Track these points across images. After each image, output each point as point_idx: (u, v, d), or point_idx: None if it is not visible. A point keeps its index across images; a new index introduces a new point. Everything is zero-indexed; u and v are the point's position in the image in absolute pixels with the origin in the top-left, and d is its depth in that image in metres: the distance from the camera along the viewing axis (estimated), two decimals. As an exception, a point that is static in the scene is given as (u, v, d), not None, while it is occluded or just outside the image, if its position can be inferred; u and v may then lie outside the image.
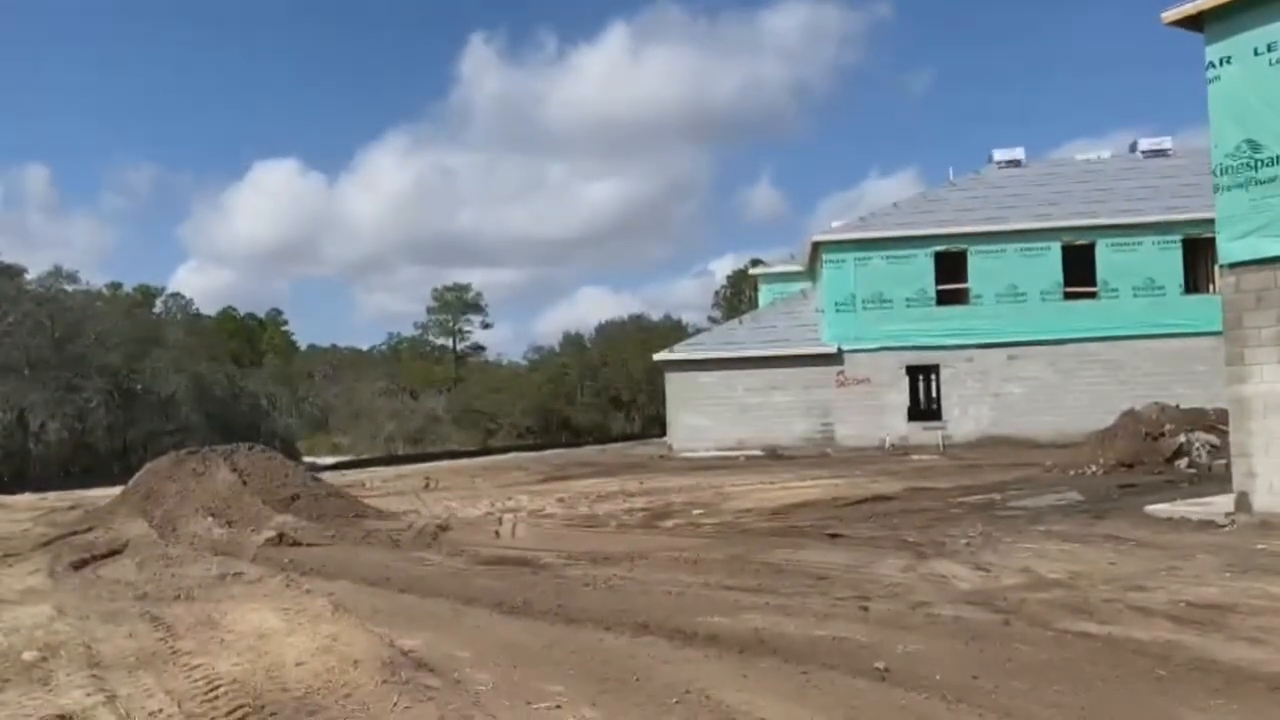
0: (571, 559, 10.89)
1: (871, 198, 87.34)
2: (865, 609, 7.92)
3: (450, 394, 62.81)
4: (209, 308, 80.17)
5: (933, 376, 30.24)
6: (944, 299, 29.15)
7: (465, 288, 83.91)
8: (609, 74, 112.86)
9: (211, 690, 6.11)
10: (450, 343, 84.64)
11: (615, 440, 42.96)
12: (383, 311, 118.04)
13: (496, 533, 13.64)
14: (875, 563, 10.02)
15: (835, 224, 32.74)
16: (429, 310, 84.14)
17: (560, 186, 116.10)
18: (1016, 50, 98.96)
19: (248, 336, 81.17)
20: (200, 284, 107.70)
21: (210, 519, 13.61)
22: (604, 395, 52.63)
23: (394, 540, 12.83)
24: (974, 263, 28.76)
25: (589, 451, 35.08)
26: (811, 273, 33.39)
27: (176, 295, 77.68)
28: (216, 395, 42.99)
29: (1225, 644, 6.63)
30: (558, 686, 6.00)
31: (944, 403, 29.42)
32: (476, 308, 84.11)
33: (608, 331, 62.96)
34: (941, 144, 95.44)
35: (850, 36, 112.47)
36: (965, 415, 28.58)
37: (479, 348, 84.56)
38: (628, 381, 49.91)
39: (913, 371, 29.89)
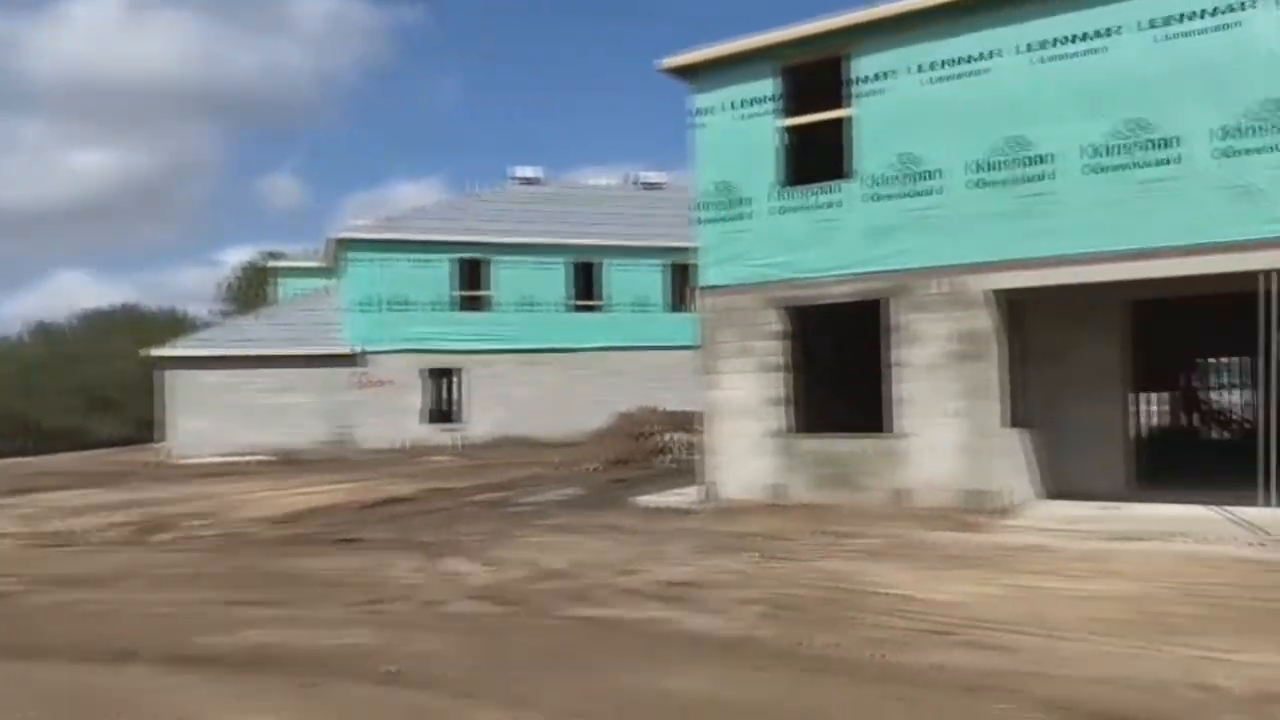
0: (37, 584, 9.37)
1: (397, 199, 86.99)
2: (377, 612, 7.83)
3: None
4: None
5: (453, 380, 30.97)
6: (465, 305, 30.07)
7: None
8: (104, 28, 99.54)
9: None
10: None
11: (99, 446, 37.81)
12: None
13: (-69, 559, 11.27)
14: (389, 565, 9.97)
15: (360, 222, 32.14)
16: None
17: (36, 149, 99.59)
18: (537, 74, 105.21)
19: None
20: None
21: None
22: (85, 395, 45.90)
23: None
24: (494, 272, 30.05)
25: (66, 459, 30.47)
26: (334, 270, 32.41)
27: None
28: None
29: (693, 616, 7.61)
30: (10, 734, 5.11)
31: (462, 405, 30.27)
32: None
33: (92, 321, 55.28)
34: (467, 154, 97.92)
35: (378, 33, 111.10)
36: (483, 417, 29.66)
37: (-90, 335, 69.32)
38: (116, 380, 44.08)
39: (434, 374, 30.35)
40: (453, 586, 8.88)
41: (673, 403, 24.89)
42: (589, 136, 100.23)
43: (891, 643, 6.62)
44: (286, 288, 37.25)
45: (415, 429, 29.32)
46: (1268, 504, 10.29)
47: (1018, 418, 12.79)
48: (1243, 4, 10.20)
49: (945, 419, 11.90)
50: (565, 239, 30.79)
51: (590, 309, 31.01)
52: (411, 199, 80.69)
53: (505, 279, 30.28)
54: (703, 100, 13.66)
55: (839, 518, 11.94)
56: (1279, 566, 8.76)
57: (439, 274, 29.68)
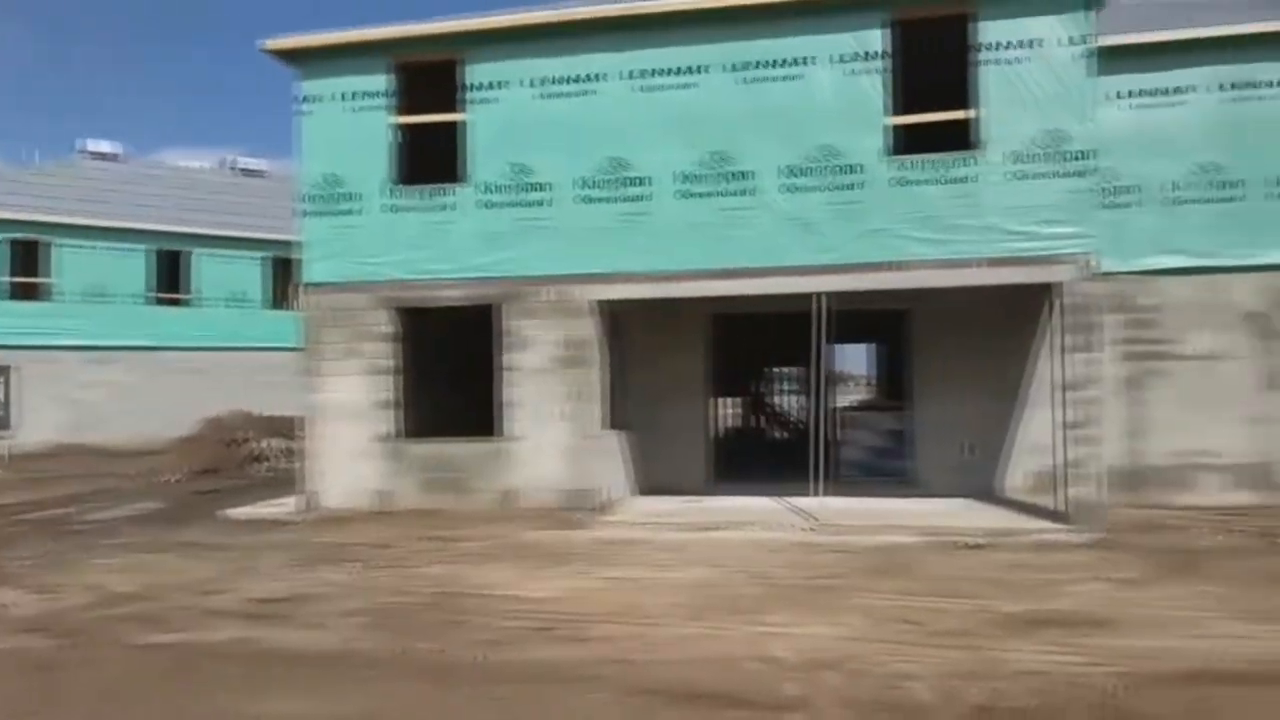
0: None
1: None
2: (-114, 660, 6.46)
3: None
4: None
5: (2, 379, 26.51)
6: (18, 293, 25.91)
7: None
8: None
9: None
10: None
11: None
12: None
13: None
14: (-94, 601, 8.27)
15: (-128, 188, 26.45)
16: None
17: None
18: (126, 38, 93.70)
19: None
20: None
21: None
22: None
23: None
24: (56, 256, 26.22)
25: None
26: None
27: None
28: None
29: (289, 632, 7.16)
30: None
31: (15, 409, 26.02)
32: None
33: None
34: (29, 118, 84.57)
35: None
36: (39, 423, 25.72)
37: None
38: None
39: (-24, 373, 25.76)
40: (-7, 621, 7.58)
41: (273, 407, 23.38)
42: (180, 114, 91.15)
43: (495, 643, 6.71)
44: None
45: (-53, 437, 24.73)
46: (817, 494, 11.91)
47: (617, 420, 13.63)
48: (807, 59, 11.71)
49: (552, 422, 12.35)
50: (146, 223, 27.61)
51: (176, 302, 28.13)
52: (-52, 165, 67.93)
53: (70, 265, 26.52)
54: (311, 88, 12.98)
55: (448, 522, 11.91)
56: (824, 548, 10.14)
57: (-15, 256, 25.32)
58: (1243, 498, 12.57)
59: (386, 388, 12.86)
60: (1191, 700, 5.25)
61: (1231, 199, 12.77)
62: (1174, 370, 12.97)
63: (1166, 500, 12.70)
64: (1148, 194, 12.94)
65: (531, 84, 12.35)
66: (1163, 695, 5.36)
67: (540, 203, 12.34)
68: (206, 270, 28.29)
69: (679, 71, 12.01)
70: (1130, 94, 13.04)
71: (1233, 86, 12.83)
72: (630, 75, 12.13)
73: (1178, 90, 13.00)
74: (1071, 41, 11.17)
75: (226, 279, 28.57)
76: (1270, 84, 12.70)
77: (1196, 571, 8.71)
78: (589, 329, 12.29)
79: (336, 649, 6.70)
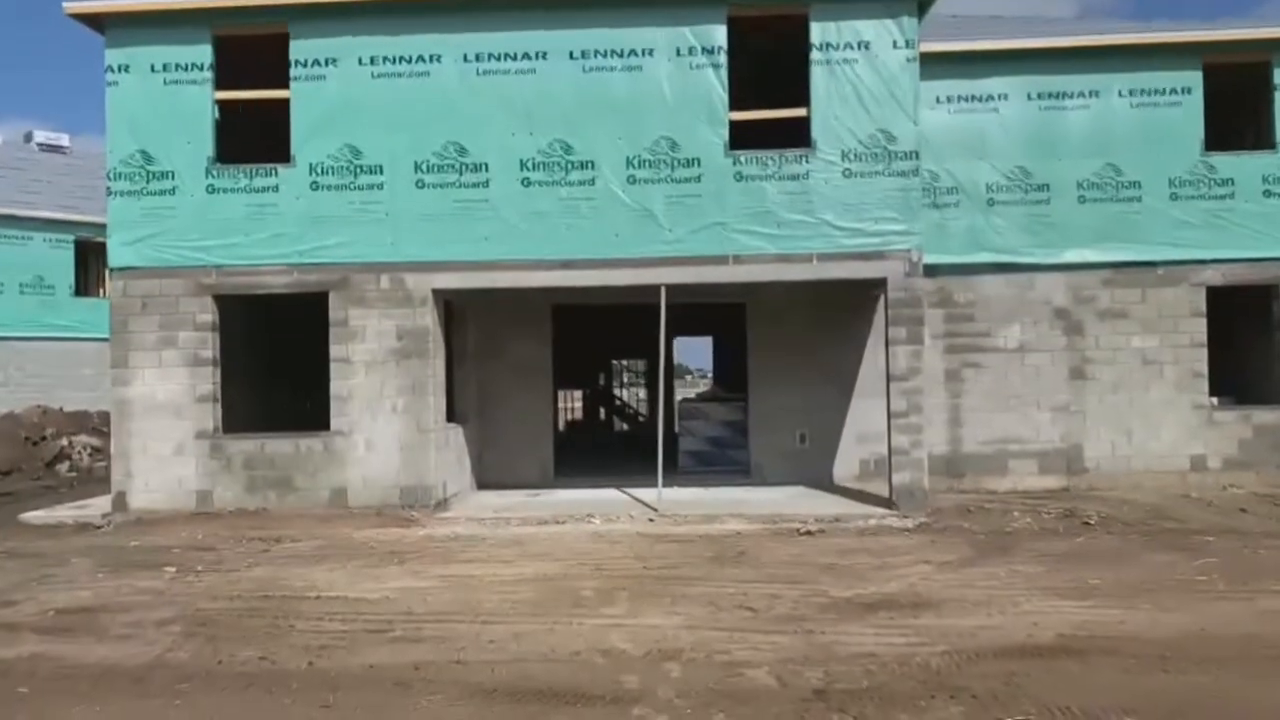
0: None
1: None
2: None
3: None
4: None
5: None
6: None
7: None
8: None
9: None
10: None
11: None
12: None
13: None
14: None
15: None
16: None
17: None
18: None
19: None
20: None
21: None
22: None
23: None
24: None
25: None
26: None
27: None
28: None
29: (94, 646, 6.58)
30: None
31: None
32: None
33: None
34: None
35: None
36: None
37: None
38: None
39: None
40: None
41: (81, 402, 21.66)
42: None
43: (324, 648, 6.36)
44: None
45: None
46: (657, 485, 11.97)
47: (455, 413, 13.28)
48: (646, 50, 11.71)
49: (386, 416, 11.90)
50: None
51: (-43, 287, 25.56)
52: None
53: None
54: (118, 56, 11.99)
55: (274, 522, 11.30)
56: (665, 539, 10.20)
57: None
58: (1050, 481, 13.48)
59: (205, 380, 12.05)
60: (1007, 674, 5.52)
61: (1040, 201, 13.65)
62: (989, 362, 13.76)
63: (983, 485, 13.47)
64: (966, 195, 13.66)
65: (363, 62, 11.82)
66: (981, 670, 5.61)
67: (373, 186, 11.83)
68: (1, 254, 25.81)
69: (518, 57, 11.78)
70: (949, 99, 13.73)
71: (1040, 96, 13.71)
72: (468, 58, 11.80)
73: (990, 98, 13.78)
74: (897, 46, 11.62)
75: (24, 263, 26.13)
76: (1074, 94, 13.63)
77: (1010, 552, 9.24)
78: (425, 319, 11.91)
79: (149, 661, 6.19)
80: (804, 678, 5.55)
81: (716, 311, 16.76)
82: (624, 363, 32.88)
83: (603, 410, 30.92)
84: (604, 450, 19.38)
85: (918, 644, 6.17)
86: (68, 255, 26.66)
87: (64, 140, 31.42)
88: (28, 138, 31.54)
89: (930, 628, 6.57)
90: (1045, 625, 6.56)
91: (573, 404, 31.53)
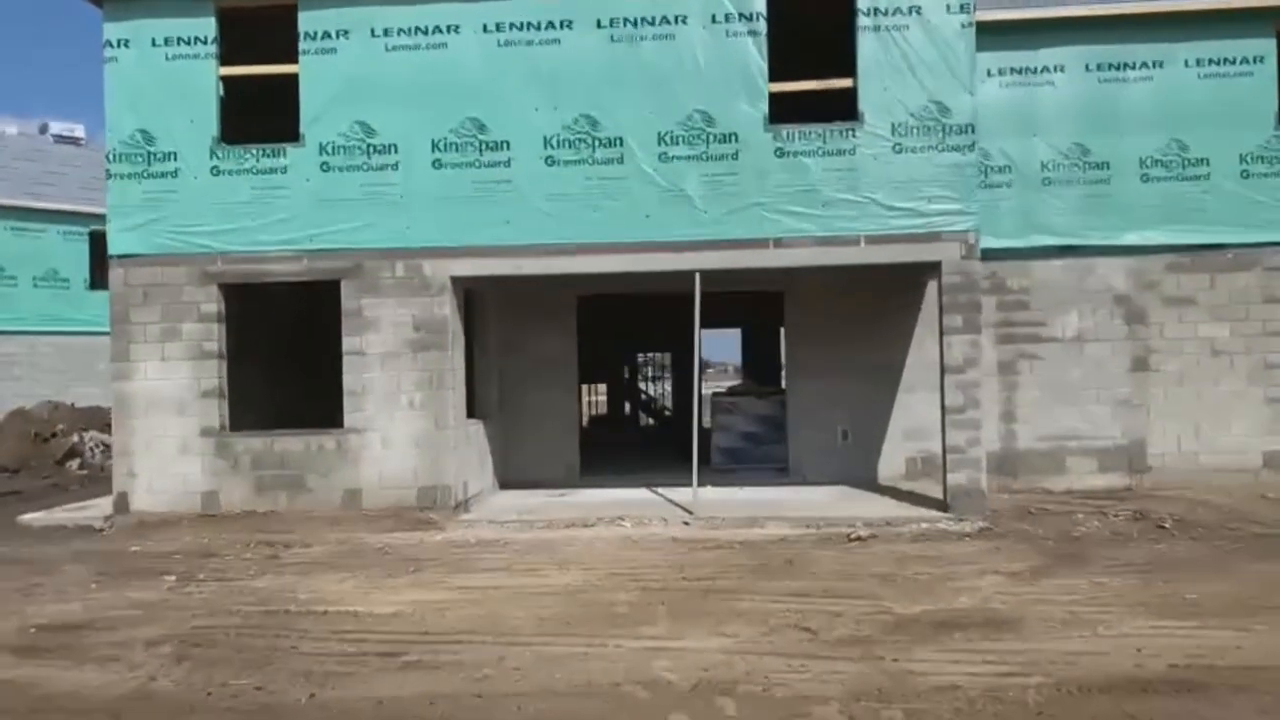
0: None
1: None
2: None
3: None
4: None
5: None
6: None
7: None
8: None
9: None
10: None
11: None
12: None
13: None
14: None
15: None
16: None
17: None
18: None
19: None
20: None
21: None
22: None
23: None
24: None
25: None
26: None
27: None
28: None
29: (71, 671, 5.87)
30: None
31: None
32: None
33: None
34: None
35: None
36: None
37: None
38: None
39: None
40: None
41: (95, 398, 21.08)
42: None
43: (328, 674, 5.63)
44: None
45: None
46: (691, 485, 11.15)
47: (476, 409, 12.52)
48: (678, 18, 10.88)
49: (403, 411, 11.15)
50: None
51: (-33, 281, 25.10)
52: None
53: None
54: (117, 30, 11.28)
55: (283, 525, 10.60)
56: (702, 545, 9.40)
57: None
58: (1111, 480, 12.56)
59: (211, 375, 11.35)
60: (1124, 717, 4.70)
61: (1099, 180, 12.71)
62: (1045, 353, 12.85)
63: (1039, 485, 12.57)
64: (1019, 174, 12.75)
65: (376, 33, 11.04)
66: (1092, 711, 4.79)
67: (387, 166, 11.05)
68: (12, 247, 25.34)
69: (541, 26, 10.97)
70: (1001, 72, 12.81)
71: (1099, 68, 12.77)
72: (487, 29, 10.99)
73: (1045, 70, 12.85)
74: (952, 10, 10.73)
75: (37, 256, 25.68)
76: (1136, 65, 12.68)
77: (1086, 561, 8.38)
78: (444, 308, 11.14)
79: (128, 692, 5.49)
80: (881, 718, 4.75)
81: (749, 300, 15.92)
82: (649, 355, 32.09)
83: (628, 405, 30.12)
84: (630, 447, 18.60)
85: (1006, 673, 5.36)
86: (82, 248, 26.20)
87: (79, 131, 30.93)
88: (43, 129, 31.07)
89: (1016, 653, 5.74)
90: (1151, 651, 5.71)
91: (597, 398, 30.78)
